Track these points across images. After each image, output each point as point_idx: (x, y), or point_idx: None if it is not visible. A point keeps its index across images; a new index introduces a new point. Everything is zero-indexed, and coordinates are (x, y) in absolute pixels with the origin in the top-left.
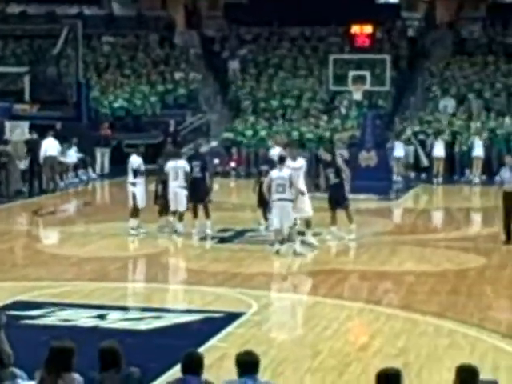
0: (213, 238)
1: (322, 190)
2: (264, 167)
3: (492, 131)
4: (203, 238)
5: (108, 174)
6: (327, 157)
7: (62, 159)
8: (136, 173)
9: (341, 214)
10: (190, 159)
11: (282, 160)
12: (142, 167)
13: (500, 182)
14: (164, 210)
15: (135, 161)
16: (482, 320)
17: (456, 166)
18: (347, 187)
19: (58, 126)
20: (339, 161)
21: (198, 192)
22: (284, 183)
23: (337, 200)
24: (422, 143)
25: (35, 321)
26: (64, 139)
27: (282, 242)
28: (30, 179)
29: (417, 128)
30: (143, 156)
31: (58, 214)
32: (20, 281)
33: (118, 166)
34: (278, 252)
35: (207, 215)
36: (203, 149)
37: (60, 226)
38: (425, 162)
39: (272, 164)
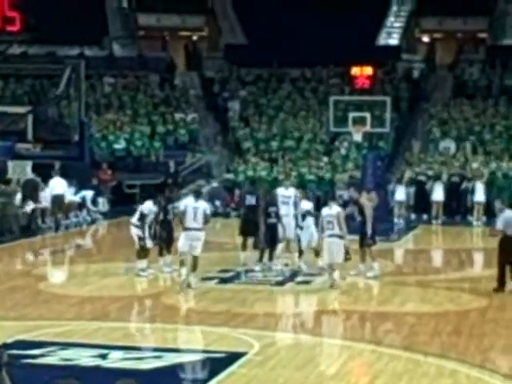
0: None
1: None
2: (272, 209)
3: (492, 174)
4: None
5: (108, 215)
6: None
7: (69, 198)
8: (143, 218)
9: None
10: (266, 205)
11: (332, 198)
12: (151, 216)
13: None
14: (163, 249)
15: (147, 207)
16: (483, 361)
17: (458, 209)
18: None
19: (57, 165)
20: (363, 201)
21: (273, 237)
22: (332, 220)
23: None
24: (422, 185)
25: (36, 360)
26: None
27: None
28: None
29: (417, 169)
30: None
31: (59, 253)
32: (21, 320)
33: (118, 206)
34: (332, 286)
35: (271, 258)
36: (204, 189)
37: (61, 266)
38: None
39: (278, 206)
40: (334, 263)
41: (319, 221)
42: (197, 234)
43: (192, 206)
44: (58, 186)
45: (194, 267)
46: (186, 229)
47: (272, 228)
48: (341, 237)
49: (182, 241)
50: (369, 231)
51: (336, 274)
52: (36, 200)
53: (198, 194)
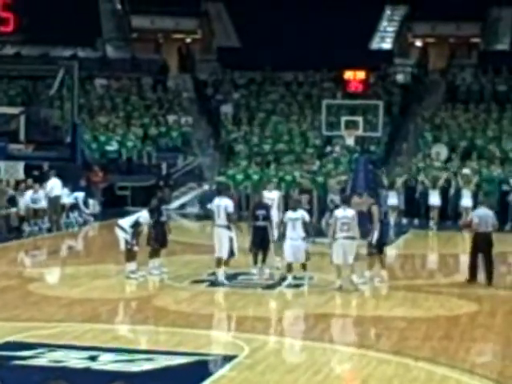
0: (206, 281)
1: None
2: (260, 211)
3: (482, 179)
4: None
5: (99, 216)
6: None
7: (63, 200)
8: (136, 225)
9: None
10: (254, 208)
11: (345, 201)
12: (144, 225)
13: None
14: (155, 252)
15: (145, 217)
16: (473, 366)
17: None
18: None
19: (46, 166)
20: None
21: (263, 240)
22: (349, 222)
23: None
24: (412, 190)
25: (26, 361)
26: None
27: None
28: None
29: (407, 175)
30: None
31: (50, 255)
32: (11, 321)
33: (110, 208)
34: (340, 288)
35: (264, 261)
36: (194, 193)
37: (51, 267)
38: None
39: (267, 208)
40: (346, 264)
41: (331, 222)
42: (219, 230)
43: (216, 204)
44: (56, 187)
45: (224, 264)
46: (214, 226)
47: (260, 231)
48: (354, 238)
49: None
50: (373, 240)
51: (353, 276)
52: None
53: (219, 192)
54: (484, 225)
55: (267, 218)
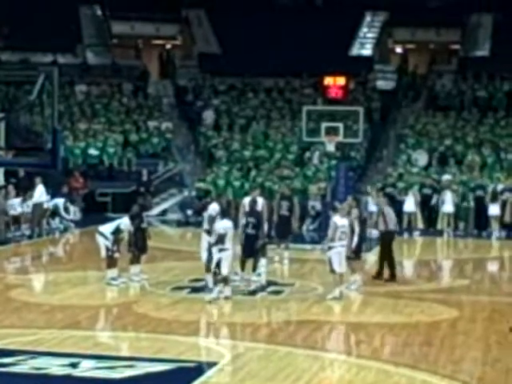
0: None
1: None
2: (250, 219)
3: (464, 185)
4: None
5: (80, 223)
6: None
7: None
8: (117, 232)
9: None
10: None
11: (335, 209)
12: (125, 232)
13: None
14: (135, 258)
15: (126, 224)
16: (454, 372)
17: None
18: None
19: (22, 173)
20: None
21: (252, 248)
22: (346, 231)
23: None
24: (392, 197)
25: (7, 368)
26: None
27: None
28: None
29: (388, 181)
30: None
31: (30, 261)
32: None
33: (91, 214)
34: (341, 295)
35: (254, 269)
36: (175, 199)
37: (32, 274)
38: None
39: (259, 215)
40: (342, 273)
41: (330, 229)
42: (202, 235)
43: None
44: (43, 193)
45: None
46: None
47: (249, 238)
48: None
49: None
50: (353, 244)
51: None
52: None
53: (200, 198)
54: (393, 224)
55: (256, 225)
